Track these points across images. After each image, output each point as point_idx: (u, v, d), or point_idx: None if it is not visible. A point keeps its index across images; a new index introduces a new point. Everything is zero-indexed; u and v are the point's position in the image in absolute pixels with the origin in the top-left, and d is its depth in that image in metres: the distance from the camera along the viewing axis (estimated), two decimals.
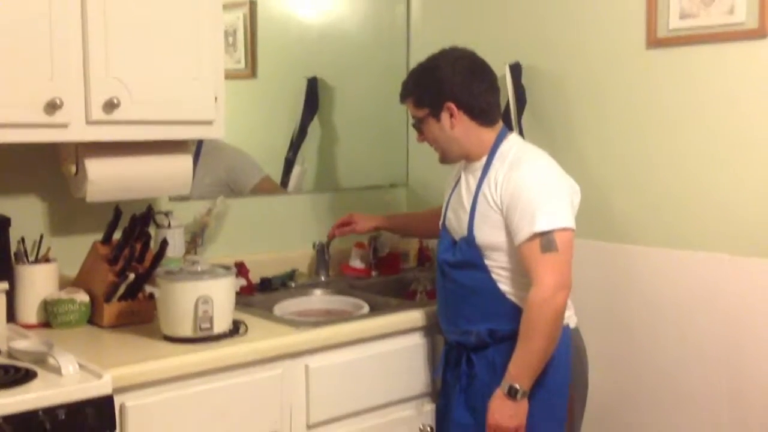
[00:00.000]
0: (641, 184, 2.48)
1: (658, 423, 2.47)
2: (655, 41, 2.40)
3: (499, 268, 2.15)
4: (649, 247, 2.46)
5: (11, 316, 2.20)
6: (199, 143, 2.68)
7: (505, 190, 2.11)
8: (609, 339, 2.54)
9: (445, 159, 2.29)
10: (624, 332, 2.53)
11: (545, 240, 2.03)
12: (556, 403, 2.15)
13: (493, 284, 2.15)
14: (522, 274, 2.11)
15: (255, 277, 2.67)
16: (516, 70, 2.67)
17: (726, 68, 2.29)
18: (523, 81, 2.68)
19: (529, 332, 2.03)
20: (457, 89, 2.19)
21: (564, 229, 2.05)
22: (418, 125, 2.28)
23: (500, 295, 2.15)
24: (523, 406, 2.05)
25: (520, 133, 2.65)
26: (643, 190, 2.48)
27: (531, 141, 2.62)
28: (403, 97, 2.31)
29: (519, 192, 2.09)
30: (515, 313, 2.11)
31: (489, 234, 2.14)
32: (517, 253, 2.09)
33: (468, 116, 2.21)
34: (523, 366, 2.05)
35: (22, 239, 2.23)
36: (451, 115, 2.20)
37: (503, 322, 2.14)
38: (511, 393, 2.04)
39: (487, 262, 2.16)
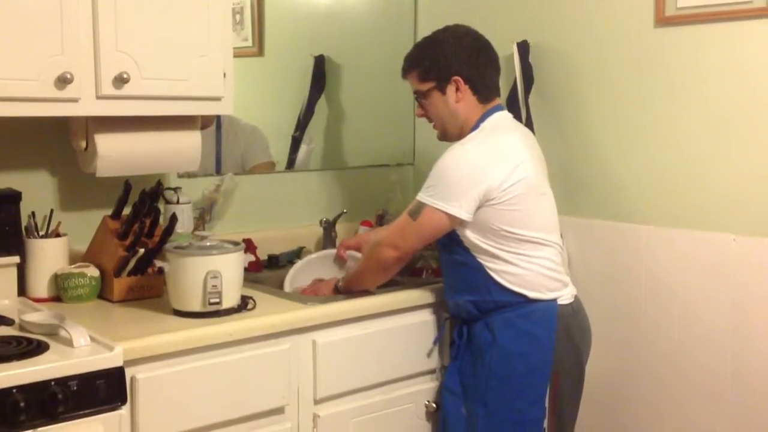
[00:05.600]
0: (648, 163, 2.49)
1: (661, 403, 2.49)
2: (663, 19, 2.40)
3: (470, 243, 2.22)
4: (655, 227, 2.47)
5: (22, 290, 2.22)
6: (218, 121, 2.70)
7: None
8: (614, 318, 2.55)
9: (446, 136, 2.33)
10: (629, 311, 2.54)
11: (416, 206, 2.20)
12: (534, 380, 2.21)
13: (471, 258, 2.22)
14: (493, 247, 2.19)
15: (262, 254, 2.69)
16: (523, 48, 2.67)
17: (734, 47, 2.29)
18: (531, 59, 2.68)
19: (363, 258, 2.37)
20: (464, 64, 2.24)
21: (436, 210, 2.15)
22: (421, 99, 2.31)
23: (479, 267, 2.22)
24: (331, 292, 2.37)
25: (527, 111, 2.65)
26: (650, 169, 2.48)
27: (538, 120, 2.65)
28: (407, 69, 2.33)
29: (435, 165, 2.20)
30: (493, 285, 2.20)
31: None
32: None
33: (472, 91, 2.26)
34: (349, 277, 2.36)
35: (33, 214, 2.25)
36: (457, 89, 2.25)
37: (483, 293, 2.22)
38: (336, 287, 2.36)
39: (460, 238, 2.22)
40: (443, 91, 2.26)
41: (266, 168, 2.90)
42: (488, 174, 2.15)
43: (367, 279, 2.32)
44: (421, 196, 2.19)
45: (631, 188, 2.53)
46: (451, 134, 2.31)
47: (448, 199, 2.15)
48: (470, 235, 2.20)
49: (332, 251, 2.67)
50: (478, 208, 2.15)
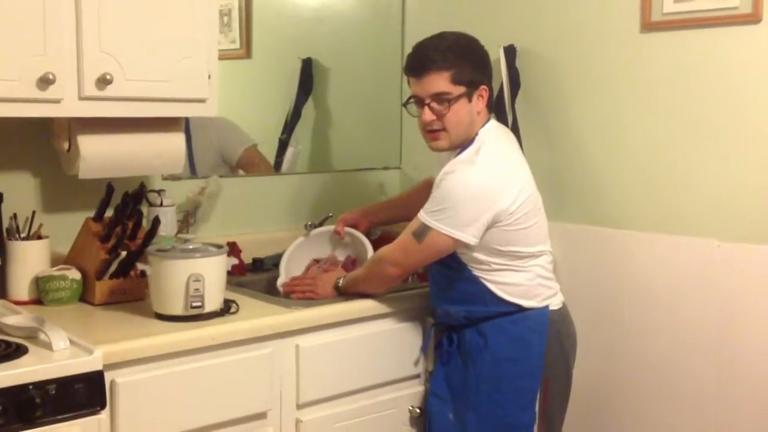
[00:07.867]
0: (633, 168, 2.48)
1: (645, 408, 2.49)
2: (649, 25, 2.40)
3: (468, 259, 2.18)
4: (640, 232, 2.46)
5: (2, 293, 2.21)
6: (186, 122, 2.67)
7: (435, 187, 2.16)
8: (599, 323, 2.55)
9: (450, 146, 2.22)
10: (614, 317, 2.53)
11: (421, 228, 2.13)
12: (525, 385, 2.20)
13: (468, 271, 2.19)
14: (492, 262, 2.16)
15: (247, 258, 2.68)
16: (510, 52, 2.67)
17: (719, 53, 2.29)
18: (517, 64, 2.68)
19: (365, 268, 2.32)
20: (489, 73, 2.22)
21: (441, 234, 2.11)
22: (443, 103, 2.15)
23: (475, 279, 2.19)
24: (331, 293, 2.35)
25: (514, 116, 2.65)
26: (635, 175, 2.48)
27: (524, 124, 2.65)
28: (439, 68, 2.13)
29: (442, 186, 2.13)
30: (489, 296, 2.18)
31: None
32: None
33: (486, 103, 2.22)
34: (350, 280, 2.32)
35: (14, 215, 2.23)
36: (480, 98, 2.19)
37: (479, 304, 2.20)
38: (336, 285, 2.34)
39: (458, 254, 2.18)
40: (470, 98, 2.16)
41: (253, 154, 2.87)
42: (498, 199, 2.10)
43: (367, 290, 2.30)
44: (428, 220, 2.12)
45: (616, 193, 2.53)
46: (456, 145, 2.21)
47: (458, 226, 2.09)
48: (471, 254, 2.16)
49: (329, 228, 2.65)
50: (486, 230, 2.12)
